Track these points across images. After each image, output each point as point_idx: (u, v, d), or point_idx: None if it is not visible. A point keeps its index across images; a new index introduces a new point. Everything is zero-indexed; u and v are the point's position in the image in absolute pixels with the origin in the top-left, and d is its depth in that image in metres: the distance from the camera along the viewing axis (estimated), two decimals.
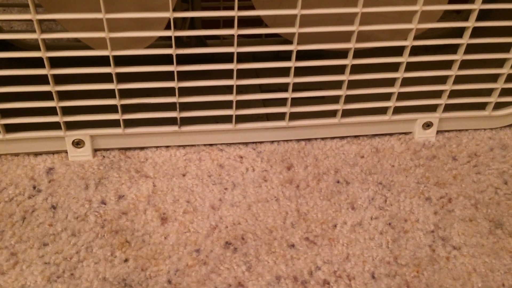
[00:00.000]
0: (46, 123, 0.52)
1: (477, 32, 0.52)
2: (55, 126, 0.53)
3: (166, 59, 0.51)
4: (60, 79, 0.50)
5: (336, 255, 0.47)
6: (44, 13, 0.46)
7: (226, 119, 0.55)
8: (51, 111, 0.51)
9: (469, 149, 0.59)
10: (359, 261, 0.46)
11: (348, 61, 0.52)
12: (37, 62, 0.48)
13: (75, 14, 0.46)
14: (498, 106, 0.59)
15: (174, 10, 0.46)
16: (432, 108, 0.59)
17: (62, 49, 0.48)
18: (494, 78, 0.57)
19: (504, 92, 0.58)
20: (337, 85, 0.54)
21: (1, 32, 0.61)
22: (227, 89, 0.53)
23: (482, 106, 0.60)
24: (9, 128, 0.52)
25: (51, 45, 0.48)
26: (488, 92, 0.58)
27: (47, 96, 0.50)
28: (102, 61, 0.49)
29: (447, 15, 0.68)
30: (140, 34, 0.48)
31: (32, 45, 0.62)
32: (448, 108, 0.58)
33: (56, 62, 0.49)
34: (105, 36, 0.47)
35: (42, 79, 0.49)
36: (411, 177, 0.55)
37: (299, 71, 0.52)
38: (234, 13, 0.47)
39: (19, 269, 0.44)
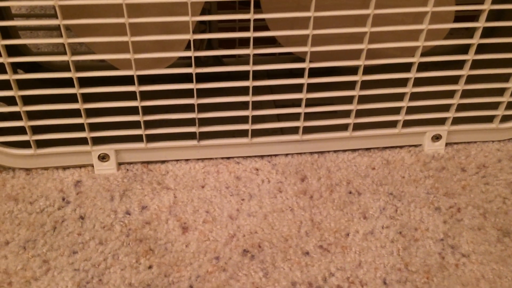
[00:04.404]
0: (72, 138, 0.56)
1: (484, 48, 0.55)
2: (81, 141, 0.56)
3: (185, 77, 0.54)
4: (86, 97, 0.53)
5: (349, 262, 0.49)
6: (74, 37, 0.50)
7: (242, 133, 0.58)
8: (78, 127, 0.55)
9: (478, 160, 0.61)
10: (371, 268, 0.48)
11: (358, 77, 0.55)
12: (63, 82, 0.51)
13: (104, 38, 0.49)
14: (505, 119, 0.61)
15: (193, 32, 0.50)
16: (441, 121, 0.61)
17: (86, 69, 0.52)
18: (501, 91, 0.59)
19: (511, 105, 0.60)
20: (348, 100, 0.57)
21: (32, 55, 0.64)
22: (243, 105, 0.56)
23: (489, 119, 0.61)
24: (40, 144, 0.56)
25: (76, 65, 0.51)
26: (495, 106, 0.60)
27: (74, 113, 0.54)
28: (125, 79, 0.53)
29: (456, 31, 0.70)
30: (163, 55, 0.51)
31: (59, 66, 0.65)
32: (457, 121, 0.60)
33: (82, 81, 0.52)
34: (130, 57, 0.50)
35: (70, 97, 0.53)
36: (421, 188, 0.57)
37: (312, 87, 0.55)
38: (250, 34, 0.50)
39: (51, 275, 0.47)
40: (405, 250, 0.50)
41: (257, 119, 0.57)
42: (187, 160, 0.59)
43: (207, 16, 0.54)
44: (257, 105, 0.57)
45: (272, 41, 0.59)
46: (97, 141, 0.57)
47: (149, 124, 0.56)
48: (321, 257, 0.49)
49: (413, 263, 0.49)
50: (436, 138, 0.61)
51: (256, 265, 0.48)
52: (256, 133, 0.58)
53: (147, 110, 0.55)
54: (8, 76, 0.50)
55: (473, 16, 0.54)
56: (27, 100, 0.52)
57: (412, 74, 0.55)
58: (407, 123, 0.60)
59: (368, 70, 0.55)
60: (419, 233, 0.52)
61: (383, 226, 0.52)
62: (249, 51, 0.51)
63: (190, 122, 0.56)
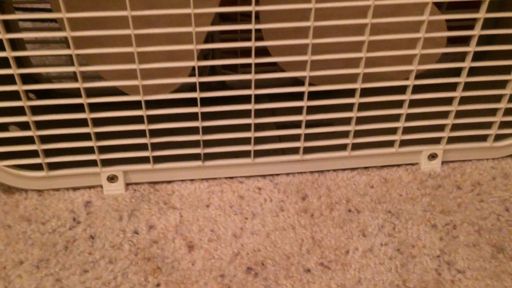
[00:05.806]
0: (82, 160, 0.58)
1: (475, 70, 0.57)
2: (91, 163, 0.58)
3: (189, 99, 0.56)
4: (96, 121, 0.55)
5: (349, 279, 0.51)
6: (85, 64, 0.52)
7: (245, 154, 0.60)
8: (88, 149, 0.57)
9: (473, 178, 0.63)
10: (370, 285, 0.50)
11: (355, 100, 0.57)
12: (74, 105, 0.54)
13: (114, 66, 0.51)
14: (499, 137, 0.63)
15: (197, 55, 0.52)
16: (437, 141, 0.63)
17: (96, 92, 0.54)
18: (494, 111, 0.61)
19: (504, 124, 0.62)
20: (347, 121, 0.59)
21: (43, 81, 0.67)
22: (246, 127, 0.58)
23: (484, 138, 0.63)
24: (51, 166, 0.58)
25: (86, 89, 0.53)
26: (488, 125, 0.62)
27: (84, 136, 0.56)
28: (132, 103, 0.55)
29: (449, 53, 0.73)
30: (169, 81, 0.54)
31: (70, 89, 0.68)
32: (452, 140, 0.62)
33: (91, 105, 0.54)
34: (138, 84, 0.53)
35: (81, 121, 0.55)
36: (418, 206, 0.59)
37: (311, 109, 0.57)
38: (252, 61, 0.53)
39: None
40: (403, 266, 0.52)
41: (259, 140, 0.59)
42: (192, 180, 0.61)
43: (211, 44, 0.57)
44: (259, 127, 0.59)
45: (272, 63, 0.61)
46: (106, 163, 0.59)
47: (155, 146, 0.58)
48: (322, 274, 0.51)
49: (410, 279, 0.51)
50: (432, 156, 0.63)
51: (260, 283, 0.50)
52: (258, 153, 0.60)
53: (154, 133, 0.57)
54: (23, 103, 0.52)
55: (465, 39, 0.57)
56: (39, 124, 0.55)
57: (407, 96, 0.58)
58: (403, 143, 0.62)
59: (365, 92, 0.57)
60: (416, 250, 0.54)
61: (382, 243, 0.54)
62: (251, 76, 0.54)
63: (195, 144, 0.58)
